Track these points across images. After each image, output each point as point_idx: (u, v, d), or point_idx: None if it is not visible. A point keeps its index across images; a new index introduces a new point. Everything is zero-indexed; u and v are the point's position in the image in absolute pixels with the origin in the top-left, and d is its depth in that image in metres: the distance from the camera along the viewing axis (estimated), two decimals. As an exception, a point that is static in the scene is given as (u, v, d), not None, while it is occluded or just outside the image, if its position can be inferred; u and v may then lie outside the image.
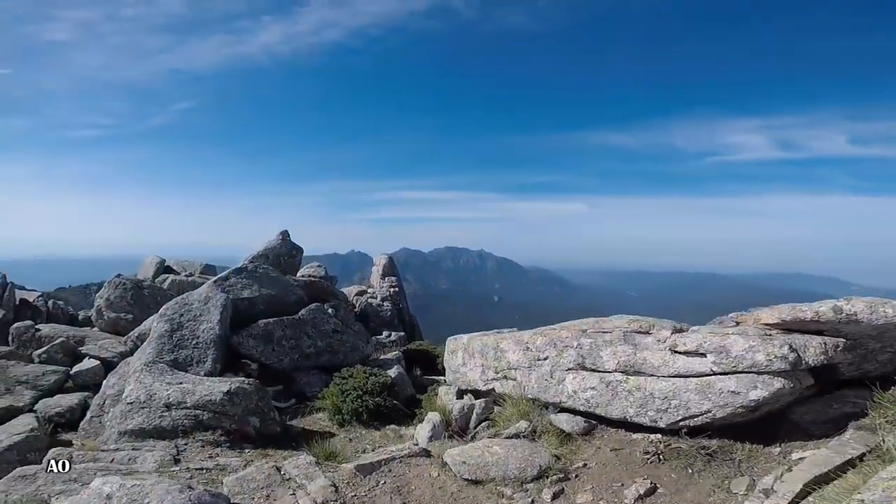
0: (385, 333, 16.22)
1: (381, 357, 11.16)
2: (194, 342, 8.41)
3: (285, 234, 13.78)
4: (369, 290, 20.37)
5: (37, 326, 11.34)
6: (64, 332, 11.31)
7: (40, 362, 9.71)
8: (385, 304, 19.23)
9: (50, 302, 19.59)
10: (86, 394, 8.59)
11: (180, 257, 19.36)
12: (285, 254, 13.39)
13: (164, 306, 8.96)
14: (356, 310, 19.06)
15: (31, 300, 18.81)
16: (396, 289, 20.42)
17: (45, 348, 9.99)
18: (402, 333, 16.76)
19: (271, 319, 9.25)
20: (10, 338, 10.77)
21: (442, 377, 9.89)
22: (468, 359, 7.50)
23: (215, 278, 10.04)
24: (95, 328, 13.03)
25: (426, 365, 12.40)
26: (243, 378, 7.71)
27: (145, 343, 8.63)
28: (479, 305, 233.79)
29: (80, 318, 17.23)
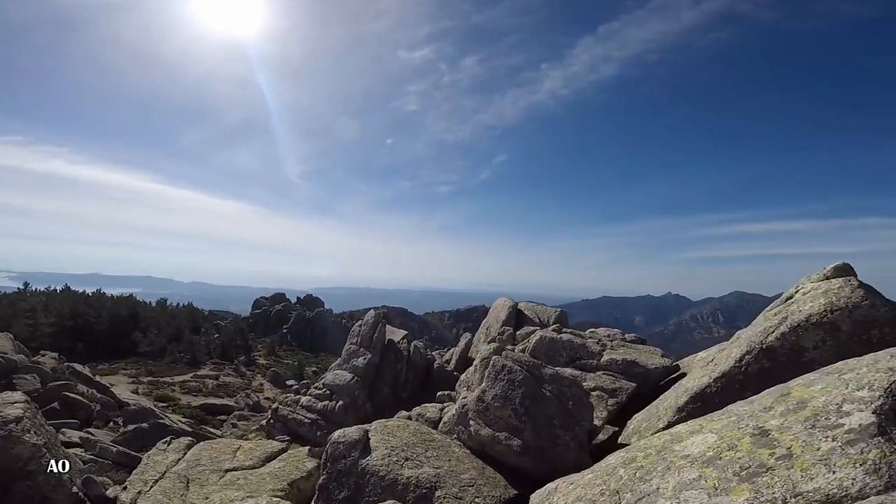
0: None
1: None
2: None
3: (854, 283, 4.31)
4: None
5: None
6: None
7: None
8: None
9: (412, 345, 15.86)
10: None
11: (519, 294, 13.72)
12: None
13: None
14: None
15: (396, 340, 15.62)
16: None
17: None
18: None
19: None
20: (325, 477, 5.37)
21: None
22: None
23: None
24: (455, 436, 6.88)
25: None
26: None
27: None
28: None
29: (435, 365, 14.98)
